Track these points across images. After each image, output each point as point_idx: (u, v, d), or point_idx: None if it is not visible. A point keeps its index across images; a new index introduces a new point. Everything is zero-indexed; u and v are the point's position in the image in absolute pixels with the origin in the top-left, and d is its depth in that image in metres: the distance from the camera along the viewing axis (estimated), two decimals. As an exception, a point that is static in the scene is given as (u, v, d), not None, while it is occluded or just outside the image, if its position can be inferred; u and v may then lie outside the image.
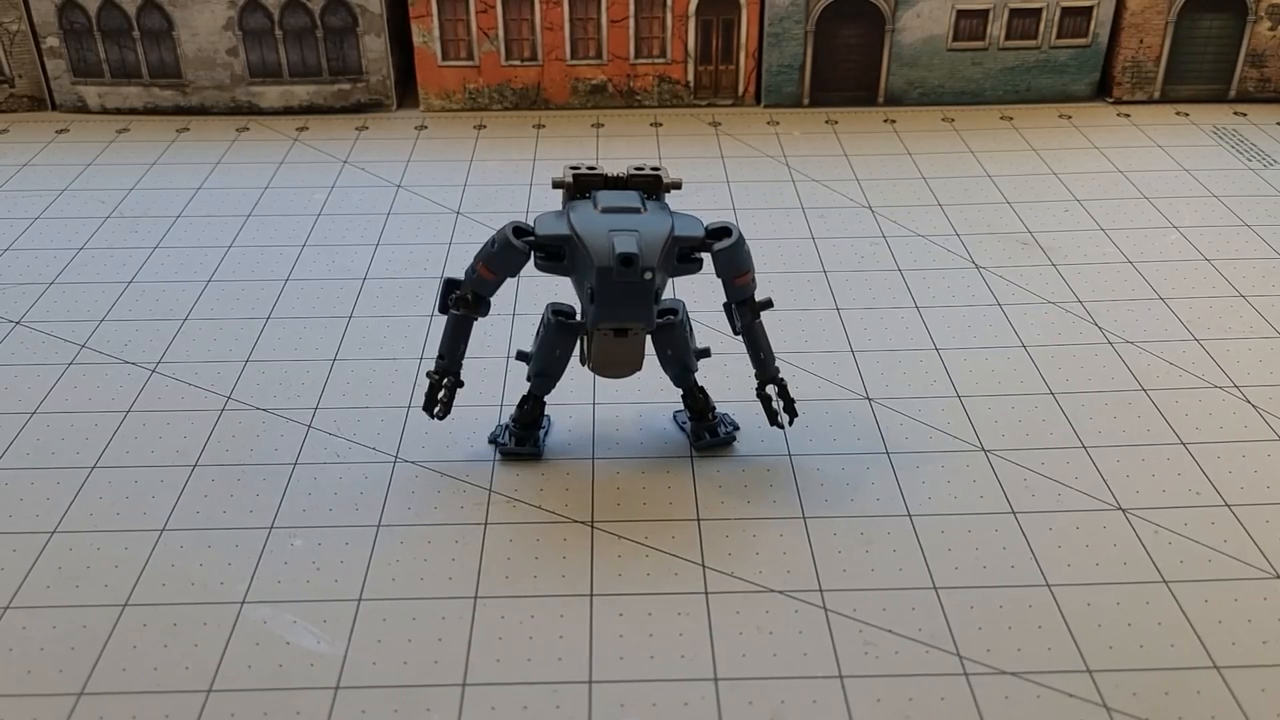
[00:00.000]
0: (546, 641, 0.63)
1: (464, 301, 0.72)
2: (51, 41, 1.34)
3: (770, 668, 0.61)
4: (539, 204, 1.15)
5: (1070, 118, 1.35)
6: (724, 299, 0.73)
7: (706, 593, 0.66)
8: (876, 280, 1.00)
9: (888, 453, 0.78)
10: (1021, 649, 0.62)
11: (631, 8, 1.33)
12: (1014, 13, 1.33)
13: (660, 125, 1.34)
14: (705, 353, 0.77)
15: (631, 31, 1.34)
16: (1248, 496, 0.74)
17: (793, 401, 0.76)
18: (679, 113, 1.38)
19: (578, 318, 0.73)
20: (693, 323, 0.76)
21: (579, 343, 0.74)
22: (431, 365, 0.75)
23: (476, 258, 0.71)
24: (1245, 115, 1.36)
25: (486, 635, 0.63)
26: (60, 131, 1.33)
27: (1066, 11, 1.34)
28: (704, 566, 0.68)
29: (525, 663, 0.62)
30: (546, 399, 0.77)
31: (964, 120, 1.34)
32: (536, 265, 0.70)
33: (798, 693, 0.60)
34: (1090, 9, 1.34)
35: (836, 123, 1.34)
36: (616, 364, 0.73)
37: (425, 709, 0.59)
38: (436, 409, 0.75)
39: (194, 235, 1.09)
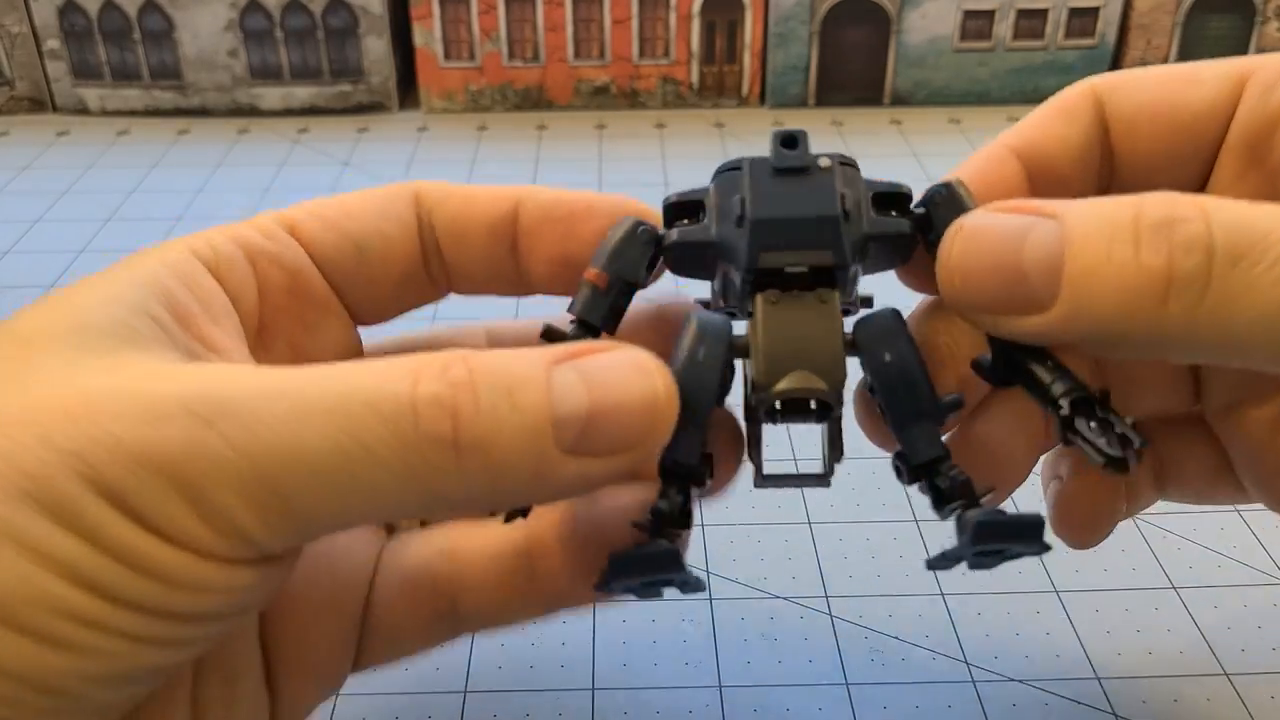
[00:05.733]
0: (549, 649, 0.63)
1: None
2: (52, 43, 1.33)
3: (776, 675, 0.61)
4: (542, 206, 1.14)
5: (1076, 118, 1.34)
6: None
7: (711, 599, 0.66)
8: (882, 284, 0.99)
9: (893, 457, 0.77)
10: (1029, 656, 0.62)
11: (635, 8, 1.32)
12: (1021, 13, 1.33)
13: (664, 127, 1.34)
14: (957, 404, 0.45)
15: (635, 32, 1.34)
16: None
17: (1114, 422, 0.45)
18: (683, 114, 1.37)
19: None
20: None
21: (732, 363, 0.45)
22: None
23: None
24: (1252, 116, 1.35)
25: (488, 642, 0.63)
26: (61, 134, 1.32)
27: (1074, 12, 1.33)
28: (708, 572, 0.68)
29: (528, 670, 0.61)
30: None
31: (971, 121, 1.34)
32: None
33: (803, 700, 0.59)
34: (1097, 9, 1.33)
35: (842, 124, 1.33)
36: (798, 353, 0.43)
37: (427, 716, 0.59)
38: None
39: (195, 237, 1.08)
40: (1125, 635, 0.63)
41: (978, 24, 1.34)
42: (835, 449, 0.46)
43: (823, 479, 0.46)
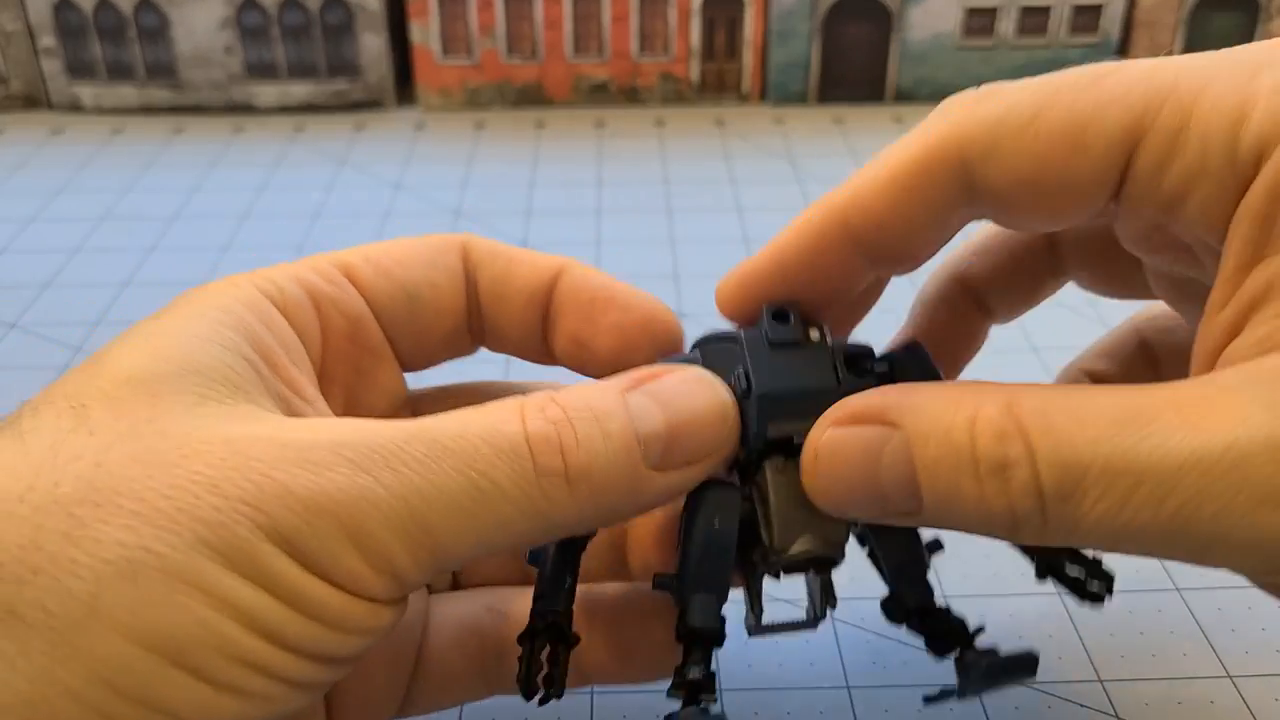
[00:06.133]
0: (546, 651, 0.62)
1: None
2: (47, 41, 1.33)
3: (776, 678, 0.60)
4: (541, 205, 1.14)
5: (1078, 115, 1.34)
6: None
7: (710, 601, 0.65)
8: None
9: (894, 457, 0.76)
10: (1032, 658, 0.61)
11: (634, 4, 1.31)
12: (1024, 10, 1.32)
13: (664, 124, 1.33)
14: (936, 545, 0.53)
15: (635, 28, 1.33)
16: (1263, 501, 0.72)
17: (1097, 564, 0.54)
18: (683, 111, 1.36)
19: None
20: None
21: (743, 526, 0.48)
22: None
23: None
24: (1255, 113, 1.34)
25: (485, 645, 0.62)
26: (55, 132, 1.32)
27: (1078, 9, 1.32)
28: (707, 574, 0.67)
29: (524, 673, 0.61)
30: None
31: (970, 118, 1.33)
32: None
33: (805, 703, 0.59)
34: (1101, 6, 1.32)
35: (843, 121, 1.33)
36: (807, 518, 0.46)
37: (426, 717, 0.58)
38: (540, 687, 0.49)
39: (190, 237, 1.08)
40: (1128, 637, 0.63)
41: (980, 21, 1.33)
42: (828, 596, 0.49)
43: (813, 625, 0.50)
